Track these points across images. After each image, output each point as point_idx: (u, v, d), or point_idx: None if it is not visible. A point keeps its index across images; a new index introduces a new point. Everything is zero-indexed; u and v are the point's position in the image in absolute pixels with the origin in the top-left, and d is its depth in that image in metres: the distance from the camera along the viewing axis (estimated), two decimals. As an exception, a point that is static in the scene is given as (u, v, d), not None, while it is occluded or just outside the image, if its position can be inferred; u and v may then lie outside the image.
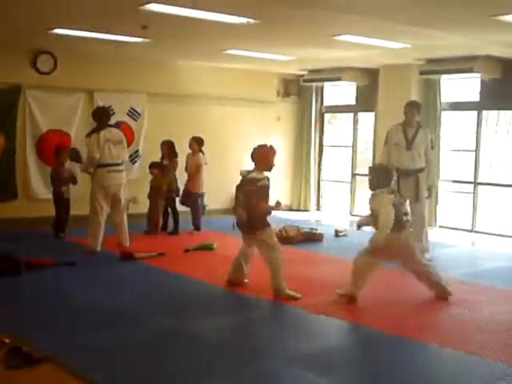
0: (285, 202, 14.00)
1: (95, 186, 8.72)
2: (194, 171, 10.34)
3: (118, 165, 8.78)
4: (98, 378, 4.31)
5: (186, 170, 10.35)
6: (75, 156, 9.75)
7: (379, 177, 6.58)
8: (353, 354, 5.10)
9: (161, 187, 10.23)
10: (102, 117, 8.87)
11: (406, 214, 6.48)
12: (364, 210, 12.78)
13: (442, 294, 6.62)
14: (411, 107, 8.49)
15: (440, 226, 11.69)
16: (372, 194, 6.60)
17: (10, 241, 8.87)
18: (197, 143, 10.29)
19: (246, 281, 7.00)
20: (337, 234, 10.57)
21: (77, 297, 6.49)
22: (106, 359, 4.75)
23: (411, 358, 5.04)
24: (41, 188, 10.82)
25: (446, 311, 6.28)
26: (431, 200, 8.63)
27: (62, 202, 9.76)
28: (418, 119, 8.51)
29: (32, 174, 10.79)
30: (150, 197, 10.33)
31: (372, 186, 6.60)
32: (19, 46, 10.25)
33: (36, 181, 10.81)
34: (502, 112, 14.63)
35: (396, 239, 6.36)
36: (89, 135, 8.74)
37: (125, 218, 8.94)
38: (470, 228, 11.33)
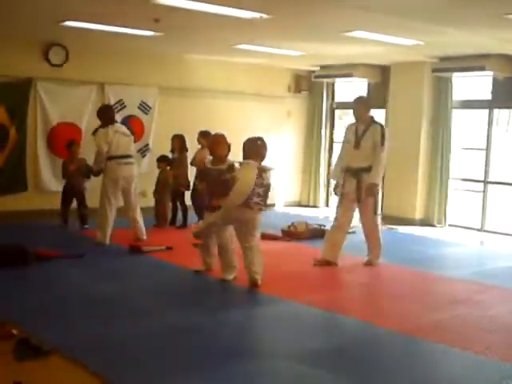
0: (294, 197, 14.04)
1: (105, 178, 8.72)
2: (202, 166, 10.31)
3: (128, 157, 8.78)
4: (104, 369, 4.32)
5: (192, 163, 10.33)
6: (86, 172, 9.66)
7: (249, 148, 6.75)
8: (360, 352, 5.08)
9: (167, 180, 10.25)
10: (106, 114, 8.85)
11: (258, 195, 6.55)
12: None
13: (251, 282, 6.71)
14: (357, 103, 8.06)
15: (449, 225, 11.66)
16: (240, 163, 6.81)
17: (20, 232, 8.93)
18: (204, 138, 10.27)
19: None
20: (345, 230, 10.53)
21: (84, 289, 6.51)
22: (113, 351, 4.76)
23: (418, 357, 5.03)
24: (51, 180, 10.83)
25: (454, 310, 6.26)
26: (376, 200, 7.83)
27: (68, 193, 9.84)
28: (367, 115, 7.92)
29: (42, 166, 10.81)
30: (156, 190, 10.36)
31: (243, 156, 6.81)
32: (31, 39, 10.27)
33: (46, 173, 10.83)
34: (514, 111, 14.54)
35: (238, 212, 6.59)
36: (95, 132, 8.74)
37: (138, 211, 8.93)
38: (479, 227, 11.29)
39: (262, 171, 6.61)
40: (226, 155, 7.08)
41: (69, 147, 9.93)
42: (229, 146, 7.10)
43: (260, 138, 6.82)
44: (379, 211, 8.08)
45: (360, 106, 7.98)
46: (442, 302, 6.57)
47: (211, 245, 7.14)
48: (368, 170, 7.73)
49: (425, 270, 7.98)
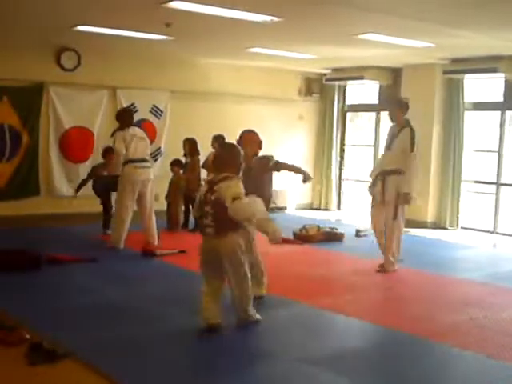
0: (306, 200, 14.03)
1: (122, 182, 8.71)
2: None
3: (144, 161, 8.80)
4: (117, 373, 4.33)
5: (203, 167, 10.34)
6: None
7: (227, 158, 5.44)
8: (372, 355, 5.08)
9: (179, 184, 10.27)
10: (124, 117, 8.88)
11: (207, 215, 5.21)
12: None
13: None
14: (391, 104, 7.99)
15: (462, 227, 11.61)
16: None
17: (32, 236, 8.97)
18: (218, 142, 10.29)
19: None
20: (357, 233, 10.52)
21: (97, 293, 6.52)
22: (126, 355, 4.77)
23: (431, 359, 5.00)
24: (63, 185, 10.89)
25: (467, 313, 6.23)
26: (397, 205, 7.63)
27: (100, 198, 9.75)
28: (402, 117, 7.75)
29: (55, 170, 10.87)
30: (168, 194, 10.38)
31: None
32: (43, 43, 10.33)
33: (59, 177, 10.89)
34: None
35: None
36: (113, 135, 8.79)
37: (153, 215, 8.91)
38: (491, 229, 11.23)
39: (214, 184, 5.21)
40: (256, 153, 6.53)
41: (104, 153, 9.79)
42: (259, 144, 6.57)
43: (228, 146, 5.76)
44: (401, 216, 7.83)
45: (393, 107, 7.87)
46: (455, 305, 6.54)
47: None
48: (393, 172, 7.63)
49: (437, 273, 7.94)
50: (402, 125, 7.73)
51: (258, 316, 5.58)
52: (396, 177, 7.62)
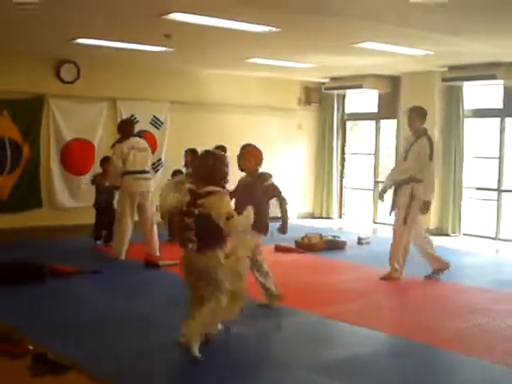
0: (307, 209, 14.03)
1: (122, 193, 8.76)
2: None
3: (144, 172, 8.83)
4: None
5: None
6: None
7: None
8: (376, 362, 5.07)
9: (179, 194, 10.25)
10: (125, 128, 8.94)
11: (188, 228, 5.06)
12: (387, 217, 12.79)
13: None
14: (411, 112, 7.95)
15: (464, 234, 11.61)
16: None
17: (35, 249, 8.97)
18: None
19: None
20: (360, 241, 10.53)
21: (100, 304, 6.52)
22: (129, 366, 4.77)
23: (436, 366, 4.99)
24: (65, 197, 10.89)
25: (471, 319, 6.22)
26: (408, 211, 7.64)
27: (100, 210, 9.72)
28: (420, 126, 7.79)
29: (56, 182, 10.86)
30: None
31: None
32: (43, 56, 10.35)
33: (60, 189, 10.88)
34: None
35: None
36: (113, 146, 8.82)
37: (154, 227, 8.90)
38: (493, 236, 11.24)
39: (198, 197, 4.97)
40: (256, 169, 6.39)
41: (102, 163, 9.82)
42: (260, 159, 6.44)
43: (213, 155, 5.29)
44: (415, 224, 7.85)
45: (414, 116, 7.87)
46: (460, 312, 6.54)
47: None
48: (406, 181, 7.67)
49: (441, 280, 7.94)
50: (418, 133, 7.77)
51: (197, 354, 4.82)
52: (409, 185, 7.66)
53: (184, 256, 5.14)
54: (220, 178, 5.04)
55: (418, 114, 7.87)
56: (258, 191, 6.23)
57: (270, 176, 6.39)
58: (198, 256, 4.98)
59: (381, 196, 8.15)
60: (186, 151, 10.44)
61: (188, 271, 5.12)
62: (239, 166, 6.41)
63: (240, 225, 4.95)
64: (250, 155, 6.41)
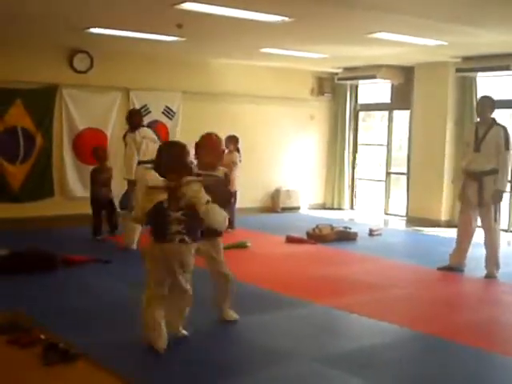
0: (318, 200, 14.01)
1: (138, 182, 8.75)
2: (228, 169, 10.33)
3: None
4: (133, 374, 4.34)
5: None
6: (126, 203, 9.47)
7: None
8: (387, 355, 5.05)
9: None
10: (133, 118, 8.93)
11: (179, 222, 4.76)
12: (398, 208, 12.75)
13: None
14: (484, 100, 7.81)
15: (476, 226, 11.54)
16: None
17: (47, 238, 9.01)
18: (232, 142, 10.30)
19: None
20: (371, 233, 10.50)
21: (111, 293, 6.56)
22: (140, 355, 4.79)
23: (447, 358, 4.98)
24: (77, 186, 10.94)
25: (484, 312, 6.20)
26: (498, 206, 7.57)
27: (98, 203, 9.58)
28: (490, 116, 7.67)
29: (68, 172, 10.92)
30: None
31: None
32: (56, 46, 10.38)
33: (72, 179, 10.94)
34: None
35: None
36: (125, 136, 8.84)
37: None
38: (506, 228, 11.16)
39: (176, 190, 4.76)
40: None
41: (94, 154, 9.75)
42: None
43: (179, 145, 5.10)
44: (499, 218, 7.79)
45: (486, 105, 7.73)
46: (472, 304, 6.53)
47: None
48: (490, 173, 7.54)
49: (453, 272, 7.90)
50: (489, 124, 7.65)
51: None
52: (493, 176, 7.54)
53: (159, 250, 4.83)
54: (190, 167, 4.89)
55: (490, 104, 7.76)
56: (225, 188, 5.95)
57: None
58: (184, 247, 4.81)
59: (454, 181, 8.00)
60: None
61: (167, 264, 4.85)
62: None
63: (219, 213, 4.84)
64: (214, 148, 5.77)
